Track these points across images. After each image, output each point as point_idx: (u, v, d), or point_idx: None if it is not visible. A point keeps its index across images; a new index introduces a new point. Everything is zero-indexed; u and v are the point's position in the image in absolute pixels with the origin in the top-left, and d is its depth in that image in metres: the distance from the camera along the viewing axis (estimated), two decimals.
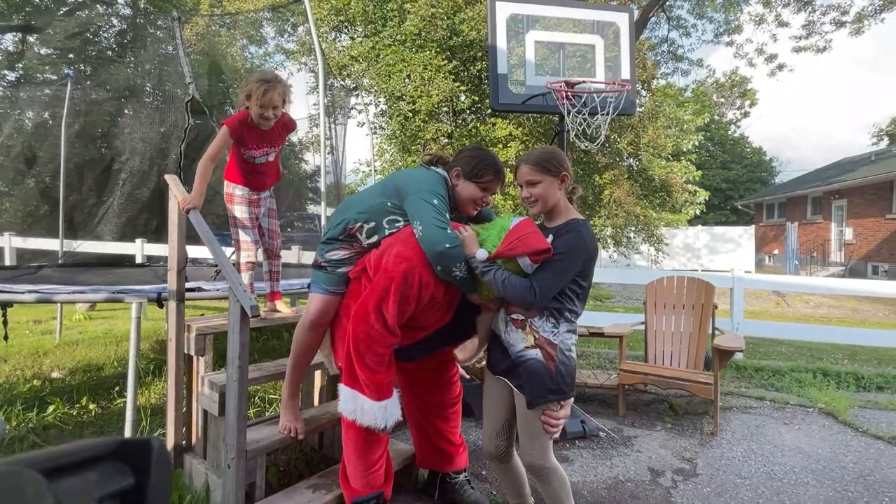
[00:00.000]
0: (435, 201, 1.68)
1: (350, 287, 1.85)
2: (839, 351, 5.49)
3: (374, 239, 1.79)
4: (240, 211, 2.29)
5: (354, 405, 1.72)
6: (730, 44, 13.70)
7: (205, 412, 2.07)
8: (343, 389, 1.76)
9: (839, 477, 2.49)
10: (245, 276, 2.32)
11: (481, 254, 1.58)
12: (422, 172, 1.82)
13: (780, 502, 2.25)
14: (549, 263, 1.56)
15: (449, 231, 1.62)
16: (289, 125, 2.34)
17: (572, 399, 1.71)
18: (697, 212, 11.42)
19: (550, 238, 1.63)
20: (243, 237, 2.32)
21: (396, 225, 1.77)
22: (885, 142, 23.53)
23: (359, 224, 1.79)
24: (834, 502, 2.26)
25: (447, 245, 1.58)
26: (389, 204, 1.77)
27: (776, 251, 18.60)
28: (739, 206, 23.64)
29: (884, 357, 5.21)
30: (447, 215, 1.69)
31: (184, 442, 2.18)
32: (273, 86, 2.09)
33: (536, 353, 1.63)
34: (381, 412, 1.70)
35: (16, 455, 0.38)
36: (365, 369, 1.67)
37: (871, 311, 9.66)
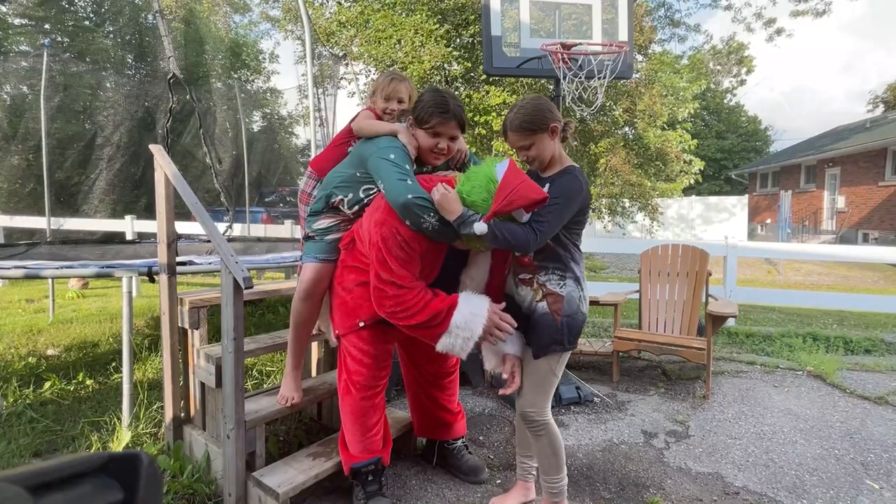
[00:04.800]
0: (391, 155, 1.65)
1: (341, 258, 1.86)
2: (828, 316, 5.59)
3: (356, 209, 1.82)
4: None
5: (448, 345, 1.60)
6: (728, 7, 13.36)
7: (202, 384, 2.08)
8: (438, 346, 1.63)
9: (826, 436, 2.56)
10: None
11: (480, 227, 1.51)
12: None
13: (770, 460, 2.32)
14: (548, 207, 1.56)
15: (409, 182, 1.59)
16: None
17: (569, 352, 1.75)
18: (692, 181, 11.38)
19: (547, 187, 1.63)
20: None
21: (371, 192, 1.77)
22: (881, 109, 23.37)
23: (339, 198, 1.82)
24: (821, 459, 2.33)
25: (409, 196, 1.54)
26: (359, 174, 1.78)
27: (769, 220, 18.69)
28: (733, 176, 23.60)
29: (871, 321, 5.31)
30: (407, 167, 1.65)
31: (182, 414, 2.20)
32: (401, 79, 1.98)
33: (544, 306, 1.66)
34: (466, 314, 1.57)
35: (0, 471, 0.36)
36: (413, 321, 1.59)
37: (860, 277, 9.81)
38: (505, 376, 1.79)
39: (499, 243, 1.55)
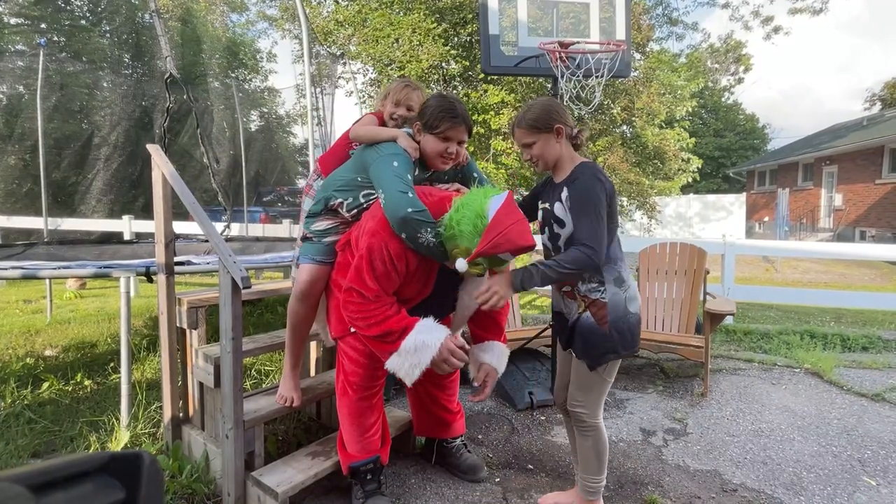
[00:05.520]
0: (395, 163, 1.63)
1: (337, 260, 1.86)
2: (826, 314, 5.60)
3: (355, 212, 1.82)
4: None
5: (396, 366, 1.59)
6: (725, 6, 13.38)
7: (200, 384, 2.07)
8: (387, 364, 1.63)
9: (824, 433, 2.57)
10: None
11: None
12: None
13: (767, 457, 2.33)
14: (579, 217, 1.54)
15: (410, 195, 1.56)
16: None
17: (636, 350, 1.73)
18: (690, 179, 11.38)
19: (564, 192, 1.61)
20: None
21: (371, 197, 1.76)
22: (878, 107, 23.43)
23: (339, 201, 1.81)
24: (819, 456, 2.34)
25: (409, 210, 1.51)
26: (360, 178, 1.78)
27: (766, 218, 18.72)
28: (731, 174, 23.63)
29: (869, 318, 5.33)
30: (409, 176, 1.63)
31: (181, 414, 2.19)
32: (414, 87, 1.96)
33: (588, 317, 1.64)
34: (414, 344, 1.55)
35: (2, 471, 0.37)
36: (369, 332, 1.60)
37: (857, 275, 9.84)
38: (476, 384, 1.81)
39: (563, 278, 1.53)
